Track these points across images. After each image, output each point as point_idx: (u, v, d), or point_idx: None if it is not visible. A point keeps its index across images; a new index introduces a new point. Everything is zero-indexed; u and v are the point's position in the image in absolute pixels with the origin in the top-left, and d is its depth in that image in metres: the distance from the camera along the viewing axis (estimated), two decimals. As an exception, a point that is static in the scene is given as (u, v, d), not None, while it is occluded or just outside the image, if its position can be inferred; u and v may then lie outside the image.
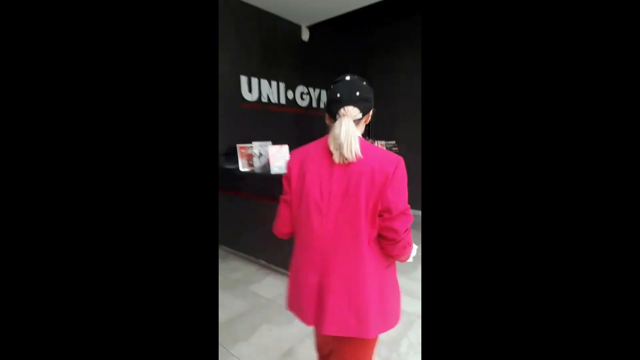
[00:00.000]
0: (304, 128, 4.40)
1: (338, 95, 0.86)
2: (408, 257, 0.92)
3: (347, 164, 0.84)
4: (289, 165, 0.94)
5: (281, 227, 1.00)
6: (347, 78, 0.88)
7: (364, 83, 0.89)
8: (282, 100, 4.09)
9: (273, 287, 2.45)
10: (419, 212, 1.24)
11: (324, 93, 4.69)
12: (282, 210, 0.98)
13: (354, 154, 0.82)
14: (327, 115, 0.91)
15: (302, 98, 4.36)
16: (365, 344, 0.93)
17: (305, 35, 4.26)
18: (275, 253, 2.65)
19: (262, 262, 2.83)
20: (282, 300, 2.16)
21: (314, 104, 4.58)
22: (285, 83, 4.11)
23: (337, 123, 0.84)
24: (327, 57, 4.65)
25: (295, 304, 0.95)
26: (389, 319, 0.91)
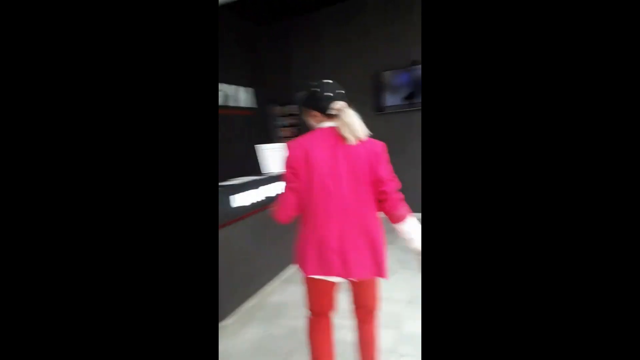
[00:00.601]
0: (223, 129, 3.91)
1: (326, 94, 1.12)
2: (403, 215, 1.12)
3: (348, 147, 1.07)
4: (292, 156, 1.11)
5: (286, 211, 1.15)
6: (325, 80, 1.15)
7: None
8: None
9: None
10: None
11: (242, 91, 4.22)
12: (289, 197, 1.14)
13: (363, 134, 1.08)
14: (311, 112, 1.15)
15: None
16: (376, 283, 1.24)
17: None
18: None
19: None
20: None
21: (231, 103, 4.09)
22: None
23: (344, 114, 1.08)
24: (241, 50, 4.18)
25: (320, 266, 1.12)
26: (386, 266, 1.16)
